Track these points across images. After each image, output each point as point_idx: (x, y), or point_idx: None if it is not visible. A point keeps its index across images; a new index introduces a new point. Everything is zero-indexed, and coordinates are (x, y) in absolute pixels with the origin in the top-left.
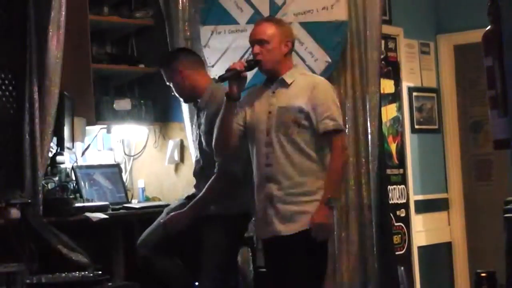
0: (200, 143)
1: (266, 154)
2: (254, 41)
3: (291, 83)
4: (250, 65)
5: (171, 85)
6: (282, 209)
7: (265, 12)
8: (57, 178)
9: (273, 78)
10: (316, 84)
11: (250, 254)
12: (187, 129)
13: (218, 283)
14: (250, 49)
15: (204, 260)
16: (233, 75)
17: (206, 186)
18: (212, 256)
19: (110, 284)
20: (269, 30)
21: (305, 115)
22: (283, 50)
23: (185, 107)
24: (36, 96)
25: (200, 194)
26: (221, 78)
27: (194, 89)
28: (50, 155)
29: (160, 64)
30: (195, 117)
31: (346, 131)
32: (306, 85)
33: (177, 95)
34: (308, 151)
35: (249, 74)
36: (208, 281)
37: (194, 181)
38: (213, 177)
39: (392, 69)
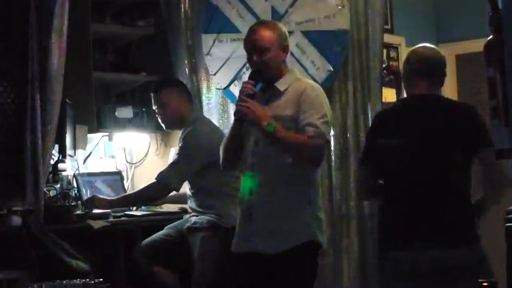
0: None
1: (252, 165)
2: (253, 48)
3: (284, 91)
4: (256, 81)
5: (156, 110)
6: (263, 225)
7: None
8: (58, 186)
9: (267, 85)
10: (303, 90)
11: None
12: None
13: None
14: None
15: (197, 267)
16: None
17: (141, 188)
18: (205, 263)
19: None
20: (268, 36)
21: (295, 123)
22: (282, 57)
23: None
24: (38, 104)
25: (131, 192)
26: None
27: (180, 120)
28: (52, 162)
29: (153, 90)
30: None
31: (331, 141)
32: (296, 91)
33: (159, 120)
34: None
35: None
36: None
37: None
38: (152, 182)
39: (394, 78)
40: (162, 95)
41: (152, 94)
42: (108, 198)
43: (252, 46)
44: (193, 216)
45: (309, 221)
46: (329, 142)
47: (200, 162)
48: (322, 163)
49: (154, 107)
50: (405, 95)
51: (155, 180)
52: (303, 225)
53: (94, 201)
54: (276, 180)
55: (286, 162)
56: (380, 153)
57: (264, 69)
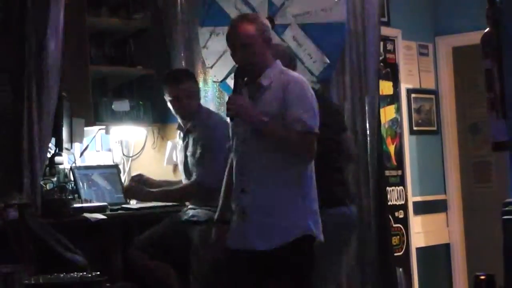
0: (186, 164)
1: (241, 164)
2: (236, 44)
3: (268, 85)
4: (242, 77)
5: (173, 101)
6: (257, 222)
7: (264, 14)
8: (55, 179)
9: (251, 80)
10: (288, 84)
11: None
12: None
13: (210, 284)
14: None
15: (194, 260)
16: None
17: (180, 187)
18: (203, 257)
19: (108, 285)
20: (250, 30)
21: (281, 118)
22: (265, 48)
23: None
24: (34, 97)
25: (171, 189)
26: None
27: (191, 110)
28: (49, 156)
29: (171, 80)
30: (181, 140)
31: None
32: (281, 86)
33: (174, 111)
34: (284, 158)
35: None
36: (200, 281)
37: None
38: (189, 183)
39: (390, 71)
40: (183, 86)
41: (170, 85)
42: (148, 189)
43: (235, 42)
44: (190, 209)
45: (303, 215)
46: (318, 134)
47: (223, 153)
48: (313, 158)
49: (169, 98)
50: (402, 88)
51: (191, 180)
52: (297, 220)
53: (133, 192)
54: (266, 177)
55: (275, 159)
56: None
57: (249, 64)
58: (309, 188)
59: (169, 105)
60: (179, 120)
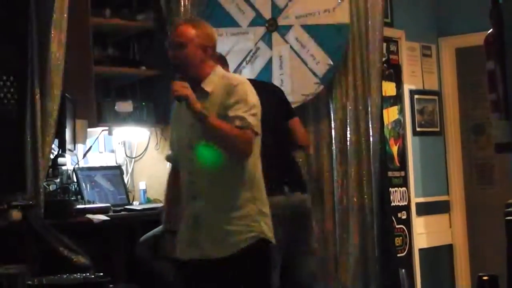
0: None
1: (189, 171)
2: (171, 43)
3: (210, 91)
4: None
5: None
6: (211, 229)
7: (267, 15)
8: (58, 180)
9: (193, 87)
10: (230, 86)
11: None
12: None
13: None
14: (252, 52)
15: None
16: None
17: None
18: None
19: (111, 286)
20: (187, 33)
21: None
22: (200, 55)
23: None
24: (37, 98)
25: None
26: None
27: None
28: (52, 157)
29: None
30: None
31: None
32: (224, 89)
33: None
34: (231, 161)
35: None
36: None
37: None
38: None
39: (393, 72)
40: None
41: None
42: None
43: (171, 41)
44: None
45: (256, 219)
46: (258, 134)
47: None
48: (250, 156)
49: None
50: (405, 89)
51: None
52: (250, 224)
53: None
54: (217, 183)
55: (225, 164)
56: None
57: (180, 65)
58: (259, 191)
59: None
60: None
